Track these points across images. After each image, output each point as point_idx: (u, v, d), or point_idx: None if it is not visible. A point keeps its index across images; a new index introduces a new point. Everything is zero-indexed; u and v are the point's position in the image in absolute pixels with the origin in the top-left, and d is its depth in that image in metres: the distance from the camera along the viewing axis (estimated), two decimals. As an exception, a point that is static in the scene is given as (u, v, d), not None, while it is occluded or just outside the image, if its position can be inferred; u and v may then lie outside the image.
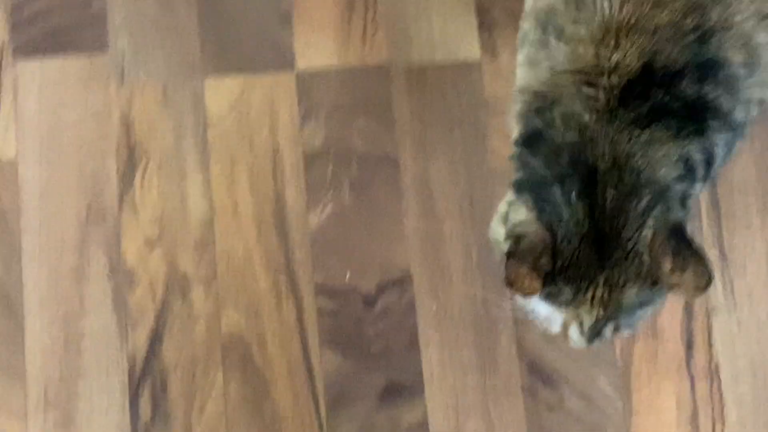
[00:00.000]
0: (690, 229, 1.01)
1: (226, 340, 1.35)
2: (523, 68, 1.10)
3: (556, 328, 1.03)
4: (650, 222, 0.96)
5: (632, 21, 1.01)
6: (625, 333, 1.02)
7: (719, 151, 1.04)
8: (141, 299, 1.37)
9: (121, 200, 1.39)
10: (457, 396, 1.32)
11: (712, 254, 1.33)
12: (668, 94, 1.00)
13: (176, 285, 1.36)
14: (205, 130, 1.40)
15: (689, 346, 1.32)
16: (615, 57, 1.01)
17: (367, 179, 1.38)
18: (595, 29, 1.02)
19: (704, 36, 1.01)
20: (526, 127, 1.05)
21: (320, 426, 1.32)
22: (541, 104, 1.04)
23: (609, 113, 0.99)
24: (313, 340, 1.35)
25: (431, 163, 1.38)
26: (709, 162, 1.03)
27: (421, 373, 1.33)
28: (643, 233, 0.96)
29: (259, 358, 1.34)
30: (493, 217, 1.10)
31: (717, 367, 1.31)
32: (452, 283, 1.35)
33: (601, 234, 0.97)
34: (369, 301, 1.35)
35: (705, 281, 0.93)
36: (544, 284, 0.95)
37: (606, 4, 1.01)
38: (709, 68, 1.01)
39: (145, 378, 1.34)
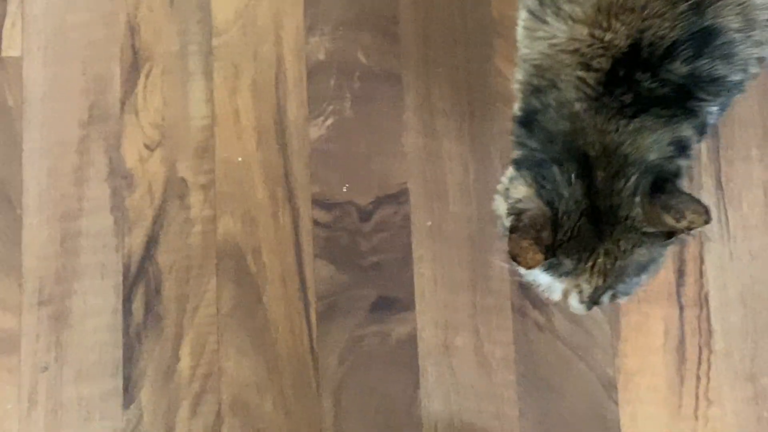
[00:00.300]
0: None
1: (222, 247, 1.36)
2: (522, 32, 1.09)
3: (556, 296, 1.06)
4: (638, 199, 0.99)
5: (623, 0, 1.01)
6: (622, 299, 1.07)
7: (714, 116, 1.06)
8: (139, 202, 1.37)
9: (123, 103, 1.39)
10: (447, 312, 1.33)
11: (708, 184, 1.33)
12: (656, 80, 1.00)
13: (175, 189, 1.37)
14: (211, 38, 1.40)
15: (680, 274, 1.32)
16: (607, 38, 1.00)
17: (368, 94, 1.38)
18: (589, 9, 1.01)
19: (699, 6, 1.00)
20: (525, 106, 1.07)
21: (310, 335, 1.33)
22: (539, 84, 1.05)
23: (597, 101, 1.01)
24: (308, 251, 1.35)
25: (433, 81, 1.37)
26: (702, 131, 1.05)
27: (412, 289, 1.33)
28: (636, 211, 0.99)
29: (253, 265, 1.35)
30: (496, 189, 1.10)
31: (707, 296, 1.31)
32: (448, 200, 1.35)
33: (598, 210, 1.00)
34: (365, 215, 1.36)
35: (705, 216, 0.96)
36: (546, 257, 0.98)
37: None
38: (704, 39, 1.00)
39: (140, 280, 1.35)
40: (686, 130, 1.02)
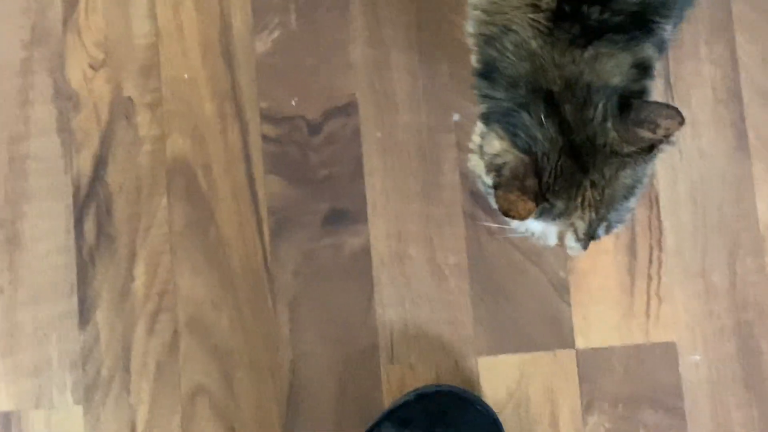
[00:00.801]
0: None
1: (171, 165, 1.34)
2: None
3: (552, 241, 1.05)
4: (610, 124, 0.98)
5: None
6: (616, 228, 1.05)
7: (669, 32, 1.04)
8: (85, 122, 1.35)
9: (65, 22, 1.36)
10: (400, 223, 1.32)
11: (657, 83, 1.31)
12: (606, 10, 0.99)
13: (121, 109, 1.35)
14: (150, -47, 1.37)
15: (630, 174, 1.32)
16: None
17: (314, 4, 1.35)
18: None
19: None
20: (482, 57, 1.05)
21: (264, 250, 1.32)
22: (492, 32, 1.03)
23: (551, 36, 0.99)
24: (258, 167, 1.34)
25: (379, -10, 1.36)
26: (661, 48, 1.04)
27: (364, 200, 1.33)
28: (611, 136, 0.98)
29: (203, 183, 1.34)
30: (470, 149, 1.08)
31: (657, 195, 1.31)
32: (398, 111, 1.34)
33: (575, 144, 0.99)
34: (314, 128, 1.34)
35: (678, 118, 0.96)
36: (537, 203, 0.98)
37: None
38: None
39: (90, 201, 1.34)
40: (647, 50, 1.01)
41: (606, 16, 0.99)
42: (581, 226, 1.02)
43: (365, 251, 1.32)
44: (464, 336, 1.29)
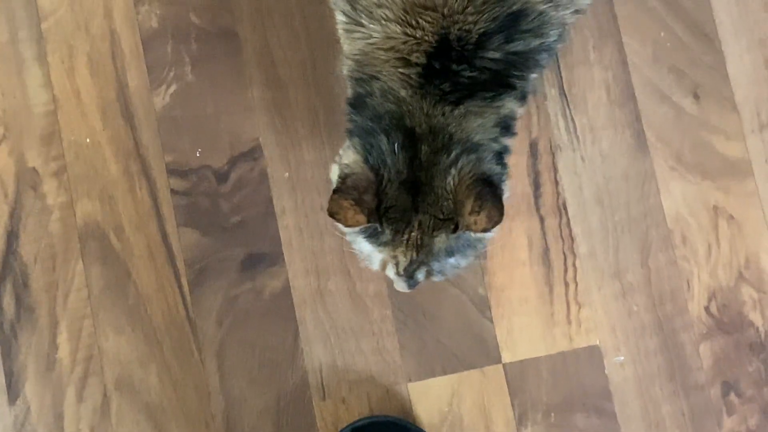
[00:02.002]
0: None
1: (83, 230, 1.33)
2: (341, 32, 1.09)
3: (375, 265, 1.07)
4: (455, 171, 1.00)
5: (422, 0, 1.00)
6: (436, 278, 1.06)
7: (535, 79, 1.06)
8: (-7, 198, 1.35)
9: (-39, 101, 1.36)
10: (317, 259, 1.31)
11: (552, 93, 1.32)
12: (474, 69, 1.01)
13: (27, 180, 1.33)
14: (39, 21, 1.35)
15: (536, 185, 1.32)
16: (418, 35, 1.01)
17: (207, 54, 1.35)
18: (399, 10, 1.01)
19: None
20: (353, 91, 1.07)
21: (184, 303, 1.31)
22: (361, 76, 1.05)
23: (421, 89, 1.01)
24: (170, 221, 1.33)
25: (270, 32, 1.34)
26: (524, 100, 1.06)
27: (279, 241, 1.32)
28: (448, 180, 1.00)
29: (117, 243, 1.33)
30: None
31: (564, 203, 1.32)
32: (302, 148, 1.33)
33: (417, 182, 1.01)
34: (222, 176, 1.34)
35: (494, 222, 0.97)
36: (369, 220, 0.99)
37: None
38: (512, 23, 1.00)
39: (6, 276, 1.32)
40: (509, 106, 1.04)
41: (474, 74, 1.01)
42: (402, 261, 1.04)
43: (286, 291, 1.31)
44: (392, 364, 1.29)
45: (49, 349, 1.31)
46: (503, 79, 1.02)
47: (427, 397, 1.28)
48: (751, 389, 1.28)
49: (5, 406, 1.30)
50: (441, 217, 1.01)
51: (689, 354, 1.28)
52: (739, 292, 1.30)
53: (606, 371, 1.28)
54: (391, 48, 1.02)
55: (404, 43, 1.01)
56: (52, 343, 1.31)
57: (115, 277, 1.32)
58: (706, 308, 1.29)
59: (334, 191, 0.99)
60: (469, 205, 0.98)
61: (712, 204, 1.31)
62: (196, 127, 1.34)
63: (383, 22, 1.02)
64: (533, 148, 1.32)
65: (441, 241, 1.02)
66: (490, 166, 1.02)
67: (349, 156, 1.03)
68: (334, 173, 1.06)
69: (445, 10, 1.00)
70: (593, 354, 1.29)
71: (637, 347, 1.29)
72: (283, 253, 1.32)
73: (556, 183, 1.31)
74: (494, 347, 1.29)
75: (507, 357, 1.29)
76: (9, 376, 1.30)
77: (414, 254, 1.02)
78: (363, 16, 1.04)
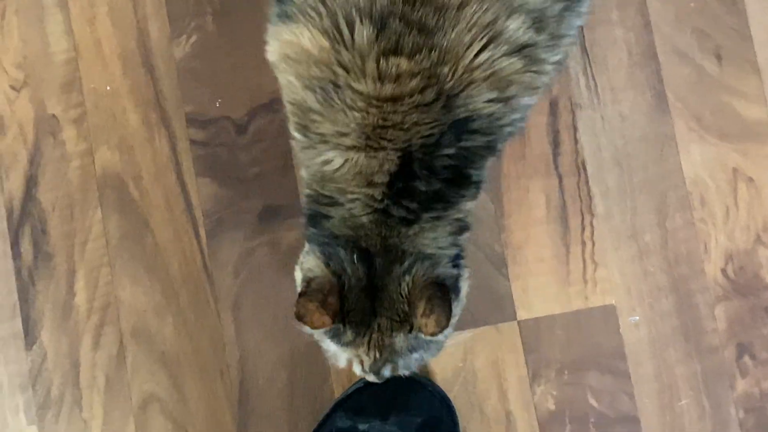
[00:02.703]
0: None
1: (102, 178, 1.33)
2: (297, 150, 1.08)
3: (342, 363, 1.09)
4: (408, 278, 1.02)
5: (381, 122, 0.99)
6: (403, 372, 1.09)
7: (487, 169, 1.07)
8: (12, 144, 1.33)
9: (-18, 47, 1.35)
10: (334, 213, 1.32)
11: (574, 51, 1.31)
12: (431, 176, 1.01)
13: (46, 127, 1.33)
14: (61, -31, 1.35)
15: (555, 144, 1.31)
16: (380, 156, 1.00)
17: (230, 5, 1.33)
18: (358, 137, 1.00)
19: (448, 101, 0.99)
20: (309, 208, 1.08)
21: (201, 254, 1.31)
22: (319, 196, 1.05)
23: (383, 212, 1.02)
24: (188, 171, 1.33)
25: (291, -16, 1.34)
26: (477, 192, 1.06)
27: (297, 194, 1.31)
28: (402, 286, 1.03)
29: (135, 193, 1.33)
30: None
31: (583, 162, 1.31)
32: (321, 102, 1.33)
33: (375, 288, 1.04)
34: (240, 128, 1.33)
35: (442, 326, 0.99)
36: (333, 320, 1.02)
37: (352, 114, 1.00)
38: (460, 127, 1.00)
39: (25, 222, 1.32)
40: (464, 209, 1.05)
41: (432, 180, 1.01)
42: (366, 360, 1.07)
43: (302, 245, 1.30)
44: (407, 319, 1.29)
45: (66, 297, 1.31)
46: (459, 175, 1.03)
47: (441, 352, 1.28)
48: (765, 352, 1.27)
49: (22, 351, 1.30)
50: (397, 319, 1.04)
51: (704, 316, 1.28)
52: (756, 255, 1.29)
53: (620, 331, 1.28)
54: (354, 172, 1.02)
55: (367, 166, 1.01)
56: (69, 290, 1.31)
57: (132, 226, 1.32)
58: (723, 270, 1.29)
59: (300, 294, 1.01)
60: (420, 308, 1.00)
61: (732, 166, 1.30)
62: (216, 77, 1.33)
63: (344, 150, 1.02)
64: (553, 106, 1.31)
65: (400, 341, 1.05)
66: (444, 270, 1.04)
67: (310, 261, 1.06)
68: (298, 276, 1.08)
69: (406, 126, 0.99)
70: (608, 314, 1.28)
71: (652, 308, 1.28)
72: (300, 206, 1.31)
73: (576, 142, 1.30)
74: (510, 304, 1.29)
75: (522, 314, 1.28)
76: (26, 322, 1.30)
77: (377, 354, 1.06)
78: (320, 144, 1.03)
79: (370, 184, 1.02)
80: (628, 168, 1.30)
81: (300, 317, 1.01)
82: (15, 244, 1.31)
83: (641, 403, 1.27)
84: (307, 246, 1.08)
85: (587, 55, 1.31)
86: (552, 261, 1.29)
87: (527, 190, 1.30)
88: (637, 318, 1.28)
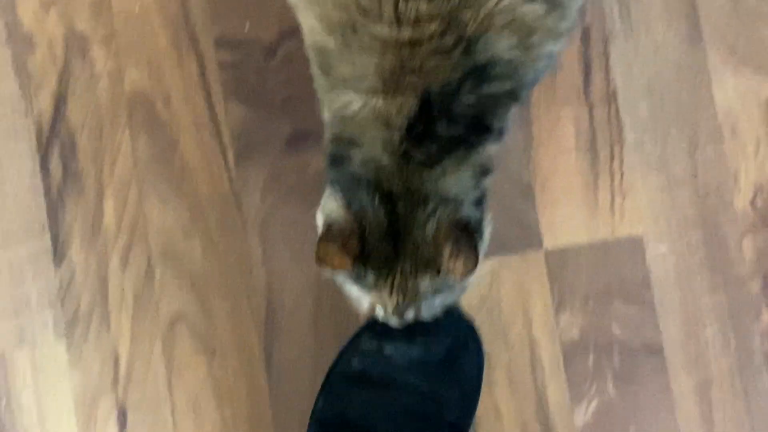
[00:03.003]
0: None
1: (130, 98, 1.32)
2: (318, 89, 1.07)
3: (364, 308, 1.08)
4: (433, 220, 1.01)
5: (398, 66, 0.98)
6: (426, 316, 1.08)
7: (512, 116, 1.05)
8: (42, 62, 1.33)
9: (11, -36, 1.34)
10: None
11: (608, -20, 1.30)
12: (451, 122, 0.99)
13: (76, 46, 1.32)
14: None
15: (587, 73, 1.29)
16: (399, 101, 0.99)
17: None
18: (378, 81, 0.99)
19: (468, 46, 0.97)
20: (331, 149, 1.06)
21: (229, 176, 1.31)
22: (341, 135, 1.04)
23: (403, 155, 1.00)
24: (217, 94, 1.32)
25: None
26: (501, 137, 1.05)
27: (326, 118, 1.32)
28: (427, 229, 1.01)
29: (164, 114, 1.32)
30: None
31: (614, 91, 1.29)
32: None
33: (397, 233, 1.02)
34: (270, 51, 1.32)
35: (470, 269, 0.99)
36: (354, 264, 1.01)
37: (369, 58, 0.98)
38: (481, 73, 0.98)
39: (53, 140, 1.32)
40: (486, 153, 1.03)
41: (452, 128, 1.00)
42: (389, 304, 1.06)
43: (330, 169, 1.31)
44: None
45: (95, 215, 1.31)
46: (479, 125, 1.01)
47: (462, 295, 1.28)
48: (792, 285, 1.28)
49: (51, 268, 1.31)
50: (423, 262, 1.03)
51: (732, 248, 1.28)
52: (786, 188, 1.29)
53: (647, 262, 1.28)
54: (373, 115, 1.01)
55: (386, 110, 1.00)
56: (98, 209, 1.31)
57: (161, 147, 1.31)
58: (752, 202, 1.28)
59: (320, 239, 1.01)
60: (447, 251, 0.99)
61: (764, 98, 1.28)
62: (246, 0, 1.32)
63: (362, 93, 1.01)
64: (585, 34, 1.29)
65: (425, 283, 1.04)
66: (469, 213, 1.03)
67: (331, 204, 1.05)
68: (319, 220, 1.07)
69: (424, 71, 0.98)
70: (635, 244, 1.28)
71: (680, 239, 1.28)
72: (329, 131, 1.31)
73: (607, 71, 1.29)
74: (536, 233, 1.28)
75: (548, 244, 1.28)
76: (55, 239, 1.31)
77: (400, 298, 1.05)
78: (339, 86, 1.02)
79: (389, 127, 1.01)
80: (660, 98, 1.29)
81: (320, 260, 1.01)
82: (44, 162, 1.31)
83: (666, 333, 1.27)
84: (328, 189, 1.07)
85: (622, -17, 1.30)
86: (580, 191, 1.29)
87: (557, 119, 1.29)
88: (664, 249, 1.27)
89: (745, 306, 1.27)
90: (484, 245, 1.07)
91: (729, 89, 1.28)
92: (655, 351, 1.27)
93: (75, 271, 1.30)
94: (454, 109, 1.00)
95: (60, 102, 1.32)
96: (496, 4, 0.97)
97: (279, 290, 1.29)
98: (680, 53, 1.29)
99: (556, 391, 1.27)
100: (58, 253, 1.30)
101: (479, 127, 1.02)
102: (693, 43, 1.29)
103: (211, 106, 1.31)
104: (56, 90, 1.32)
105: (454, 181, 1.02)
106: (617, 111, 1.29)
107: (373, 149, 1.02)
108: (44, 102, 1.32)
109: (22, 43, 1.32)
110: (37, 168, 1.31)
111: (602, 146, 1.29)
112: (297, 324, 1.29)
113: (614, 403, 1.27)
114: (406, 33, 0.97)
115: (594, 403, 1.27)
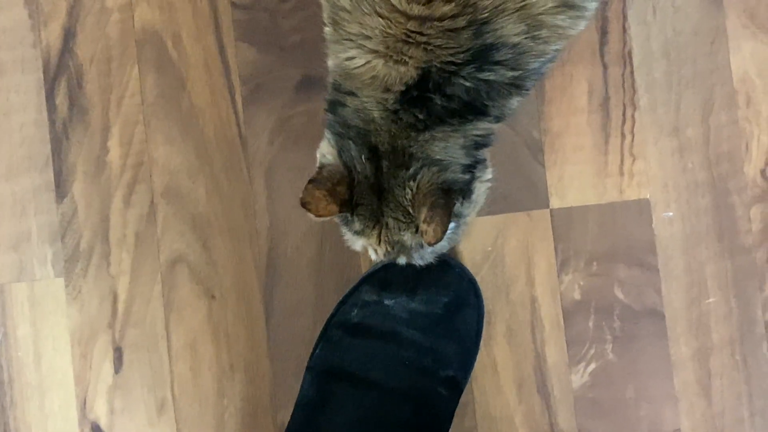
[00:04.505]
0: None
1: (140, 35, 1.29)
2: (328, 40, 1.06)
3: (358, 248, 1.09)
4: (413, 183, 1.00)
5: (403, 37, 0.97)
6: (418, 262, 1.08)
7: (514, 104, 1.04)
8: (52, -6, 1.31)
9: None
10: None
11: (630, -62, 1.27)
12: (445, 97, 0.98)
13: (87, -21, 1.30)
14: None
15: (603, 32, 1.26)
16: (400, 69, 0.98)
17: None
18: (381, 44, 0.98)
19: (479, 28, 0.96)
20: (330, 93, 1.06)
21: (237, 119, 1.28)
22: (341, 84, 1.04)
23: (394, 114, 1.00)
24: (228, 34, 1.29)
25: None
26: (500, 119, 1.04)
27: (337, 65, 1.29)
28: (406, 191, 1.01)
29: (174, 52, 1.29)
30: None
31: (630, 52, 1.26)
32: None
33: (382, 188, 1.02)
34: (284, -6, 1.29)
35: (439, 237, 0.98)
36: (341, 210, 1.01)
37: (377, 20, 0.97)
38: (485, 55, 0.97)
39: (61, 74, 1.29)
40: (481, 127, 1.03)
41: (445, 102, 0.99)
42: (379, 251, 1.07)
43: (339, 117, 1.28)
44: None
45: (100, 152, 1.28)
46: (475, 107, 1.00)
47: (470, 235, 1.26)
48: (799, 256, 1.25)
49: (53, 203, 1.28)
50: (403, 220, 1.03)
51: (740, 216, 1.25)
52: (798, 158, 1.26)
53: (653, 226, 1.25)
54: (372, 76, 1.00)
55: (385, 75, 0.99)
56: (102, 146, 1.28)
57: (169, 86, 1.28)
58: (762, 171, 1.25)
59: (309, 181, 1.01)
60: (422, 215, 0.99)
61: (782, 67, 1.26)
62: (262, -59, 1.29)
63: (366, 53, 1.00)
64: (604, -7, 1.26)
65: (409, 238, 1.04)
66: (452, 176, 1.02)
67: (325, 147, 1.05)
68: (318, 159, 1.07)
69: (429, 47, 0.97)
70: (642, 207, 1.25)
71: (688, 204, 1.25)
72: (339, 78, 1.28)
73: (624, 31, 1.26)
74: (543, 192, 1.26)
75: (555, 203, 1.26)
76: (58, 174, 1.28)
77: (388, 248, 1.05)
78: (346, 41, 1.01)
79: (386, 89, 1.00)
80: (676, 61, 1.26)
81: (305, 204, 1.01)
82: (50, 96, 1.28)
83: (668, 298, 1.25)
84: (326, 132, 1.06)
85: (644, -58, 1.26)
86: (590, 151, 1.26)
87: (570, 78, 1.26)
88: (672, 214, 1.25)
89: (749, 275, 1.25)
90: (474, 204, 1.07)
91: (746, 56, 1.25)
92: (656, 315, 1.25)
93: (77, 207, 1.28)
94: (451, 89, 0.99)
95: (69, 35, 1.28)
96: None
97: (282, 236, 1.27)
98: (699, 16, 1.25)
99: (554, 351, 1.25)
100: (61, 188, 1.28)
101: (475, 108, 1.01)
102: (713, 6, 1.25)
103: (221, 47, 1.28)
104: (66, 23, 1.29)
105: (443, 146, 1.02)
106: (632, 72, 1.26)
107: (368, 103, 1.01)
108: (53, 35, 1.29)
109: (32, -27, 1.29)
110: (43, 101, 1.28)
111: (615, 107, 1.26)
112: (298, 271, 1.27)
113: (612, 366, 1.25)
114: (415, 10, 0.96)
115: (592, 365, 1.25)
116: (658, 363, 1.24)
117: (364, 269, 1.26)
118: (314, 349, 1.21)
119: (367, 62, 1.00)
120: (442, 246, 1.09)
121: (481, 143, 1.04)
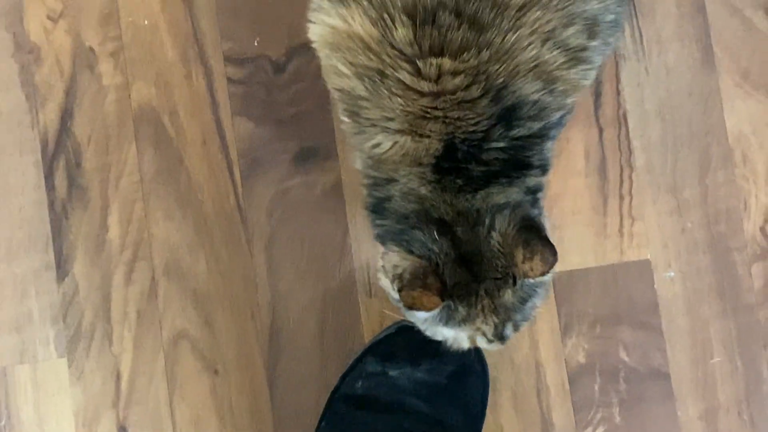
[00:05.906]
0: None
1: (138, 113, 1.29)
2: (348, 134, 1.04)
3: (465, 345, 1.04)
4: (494, 233, 0.97)
5: (421, 113, 0.96)
6: (524, 326, 1.03)
7: (549, 149, 1.02)
8: (48, 76, 1.29)
9: (20, -24, 1.30)
10: (370, 156, 1.28)
11: None
12: (482, 164, 0.97)
13: (83, 59, 1.28)
14: None
15: (597, 95, 1.25)
16: (425, 142, 0.97)
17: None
18: (403, 123, 0.97)
19: (498, 94, 0.95)
20: (370, 196, 1.03)
21: (236, 193, 1.27)
22: (377, 179, 1.01)
23: (439, 183, 0.98)
24: (225, 109, 1.28)
25: None
26: (545, 169, 1.02)
27: (333, 136, 1.26)
28: (492, 243, 0.97)
29: (171, 129, 1.29)
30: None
31: (625, 114, 1.26)
32: (361, 44, 1.28)
33: (466, 256, 0.98)
34: (279, 67, 1.28)
35: (550, 264, 0.95)
36: (442, 298, 0.97)
37: (396, 100, 0.96)
38: (509, 116, 0.96)
39: (59, 154, 1.28)
40: (531, 181, 1.00)
41: (483, 168, 0.97)
42: (488, 329, 1.01)
43: (337, 187, 1.27)
44: (440, 266, 1.26)
45: (100, 231, 1.27)
46: (517, 161, 0.98)
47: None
48: (802, 313, 1.24)
49: (54, 283, 1.27)
50: (499, 277, 0.98)
51: (741, 274, 1.24)
52: (797, 215, 1.25)
53: (655, 286, 1.24)
54: (403, 154, 0.98)
55: (414, 149, 0.97)
56: (102, 224, 1.27)
57: (167, 162, 1.28)
58: (762, 229, 1.24)
59: (400, 290, 0.97)
60: (519, 255, 0.95)
61: (777, 124, 1.25)
62: (256, 14, 1.28)
63: (391, 134, 0.98)
64: (597, 56, 1.26)
65: (509, 296, 0.99)
66: (527, 212, 0.99)
67: (392, 258, 1.00)
68: (384, 281, 1.02)
69: (447, 120, 0.96)
70: (643, 268, 1.24)
71: (689, 264, 1.24)
72: (336, 149, 1.27)
73: (618, 93, 1.26)
74: (544, 255, 1.25)
75: (556, 266, 1.25)
76: (59, 254, 1.27)
77: (495, 318, 1.00)
78: (369, 128, 0.99)
79: (420, 164, 0.98)
80: (671, 121, 1.25)
81: (411, 306, 0.96)
82: (49, 177, 1.28)
83: (673, 359, 1.23)
84: (381, 249, 1.03)
85: (634, 4, 1.25)
86: (589, 213, 1.25)
87: (567, 141, 1.25)
88: (673, 274, 1.24)
89: (753, 333, 1.23)
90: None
91: (741, 114, 1.24)
92: (662, 377, 1.23)
93: (78, 286, 1.26)
94: (483, 155, 0.97)
95: (66, 116, 1.28)
96: (524, 52, 0.95)
97: (283, 309, 1.25)
98: (692, 76, 1.25)
99: (561, 416, 1.23)
100: (62, 268, 1.27)
101: (518, 163, 0.99)
102: (705, 67, 1.25)
103: (218, 122, 1.27)
104: (63, 104, 1.28)
105: (503, 196, 0.99)
106: (627, 134, 1.25)
107: (410, 182, 0.99)
108: (50, 116, 1.28)
109: (28, 55, 1.28)
110: (42, 182, 1.28)
111: (612, 169, 1.25)
112: (301, 344, 1.25)
113: (620, 430, 1.23)
114: (425, 86, 0.95)
115: (600, 429, 1.23)
116: (666, 424, 1.23)
117: (367, 338, 1.25)
118: (320, 423, 1.19)
119: (395, 143, 0.98)
120: (541, 296, 1.04)
121: (536, 189, 1.02)
